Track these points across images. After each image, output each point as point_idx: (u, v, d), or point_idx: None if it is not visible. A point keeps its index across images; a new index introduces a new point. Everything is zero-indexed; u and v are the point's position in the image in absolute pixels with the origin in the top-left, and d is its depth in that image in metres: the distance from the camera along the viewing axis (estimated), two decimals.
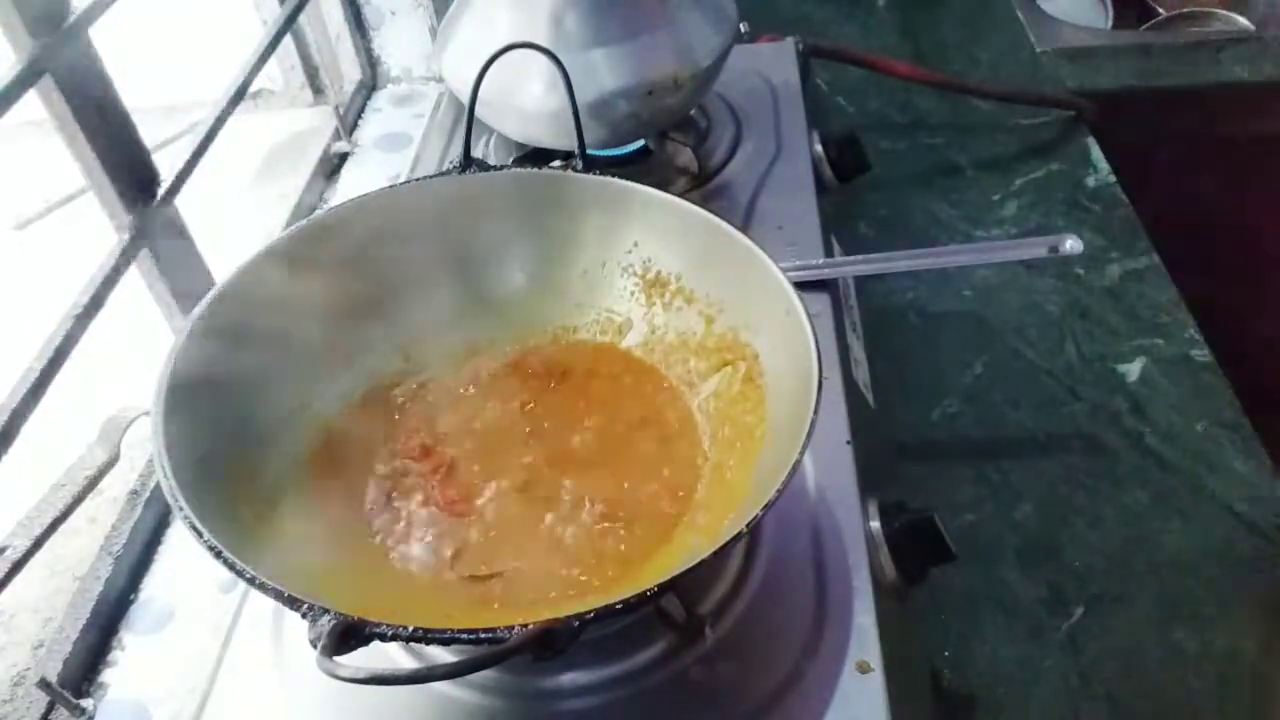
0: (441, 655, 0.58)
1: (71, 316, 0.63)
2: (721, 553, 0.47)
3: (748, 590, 0.61)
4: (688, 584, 0.59)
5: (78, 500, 0.68)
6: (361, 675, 0.40)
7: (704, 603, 0.60)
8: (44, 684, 0.61)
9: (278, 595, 0.44)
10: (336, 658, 0.41)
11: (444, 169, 0.72)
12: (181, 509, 0.48)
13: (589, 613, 0.44)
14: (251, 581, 0.45)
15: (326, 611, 0.42)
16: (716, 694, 0.57)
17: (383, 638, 0.43)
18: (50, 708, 0.62)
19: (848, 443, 0.69)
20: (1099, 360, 0.95)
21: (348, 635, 0.42)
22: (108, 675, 0.65)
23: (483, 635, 0.43)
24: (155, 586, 0.70)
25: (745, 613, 0.60)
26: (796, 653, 0.58)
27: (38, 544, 0.65)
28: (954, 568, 0.65)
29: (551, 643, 0.42)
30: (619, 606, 0.44)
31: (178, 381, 0.54)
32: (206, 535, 0.47)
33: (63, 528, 0.67)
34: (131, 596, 0.70)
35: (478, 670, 0.43)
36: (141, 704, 0.63)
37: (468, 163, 0.71)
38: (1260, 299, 1.37)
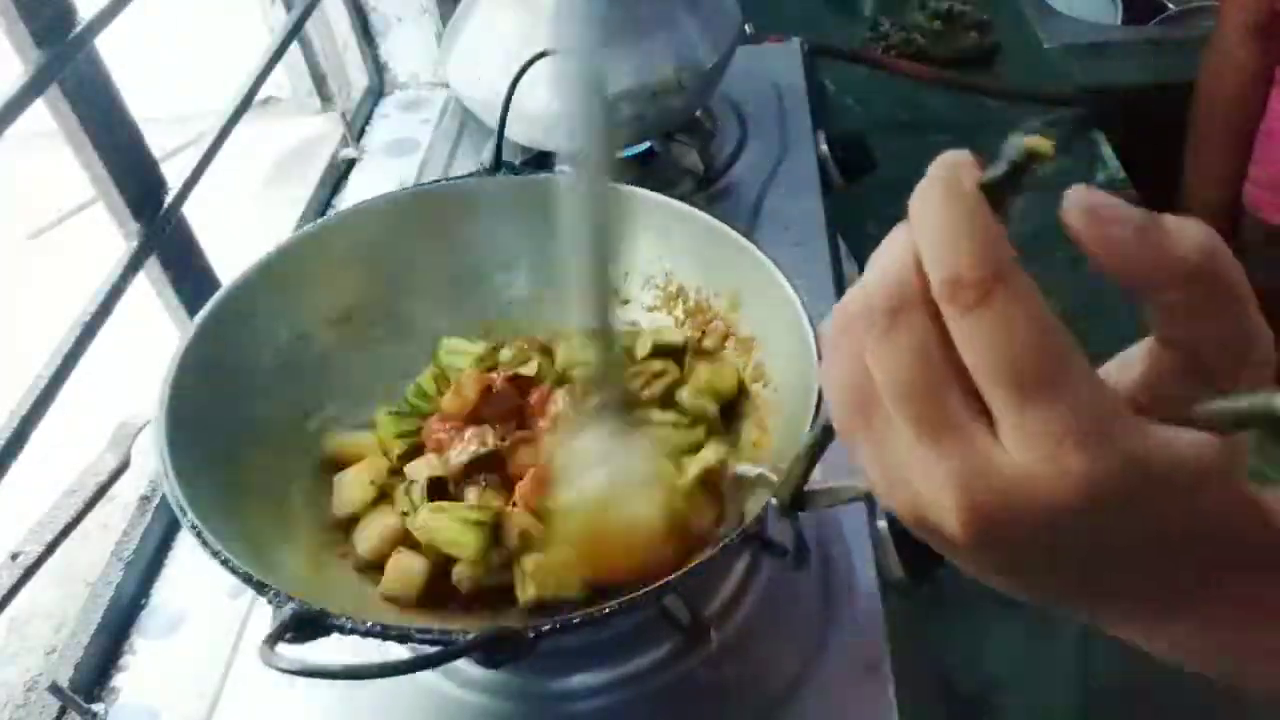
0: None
1: (80, 324, 0.63)
2: (721, 554, 0.47)
3: (754, 591, 0.61)
4: (692, 586, 0.59)
5: (89, 506, 0.69)
6: (295, 667, 0.40)
7: (710, 604, 0.60)
8: (56, 689, 0.61)
9: (246, 579, 0.45)
10: (279, 648, 0.41)
11: (474, 170, 0.72)
12: (174, 492, 0.48)
13: (545, 624, 0.44)
14: (225, 563, 0.46)
15: (291, 600, 0.43)
16: (723, 695, 0.57)
17: (341, 630, 0.43)
18: (62, 712, 0.63)
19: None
20: (1109, 357, 0.94)
21: (305, 625, 0.43)
22: (119, 680, 0.65)
23: (438, 636, 0.44)
24: (166, 592, 0.71)
25: (751, 614, 0.60)
26: (803, 653, 0.58)
27: (50, 550, 0.65)
28: None
29: (503, 648, 0.43)
30: (576, 620, 0.45)
31: (181, 388, 0.55)
32: (190, 514, 0.47)
33: (74, 533, 0.67)
34: (142, 602, 0.70)
35: (416, 670, 0.44)
36: (153, 708, 0.63)
37: (498, 164, 0.71)
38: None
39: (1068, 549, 0.25)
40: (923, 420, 0.25)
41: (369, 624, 0.43)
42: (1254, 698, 0.30)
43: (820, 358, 0.54)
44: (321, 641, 0.44)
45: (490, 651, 0.42)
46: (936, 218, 0.24)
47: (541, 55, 0.70)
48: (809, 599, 0.61)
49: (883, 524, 0.65)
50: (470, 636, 0.42)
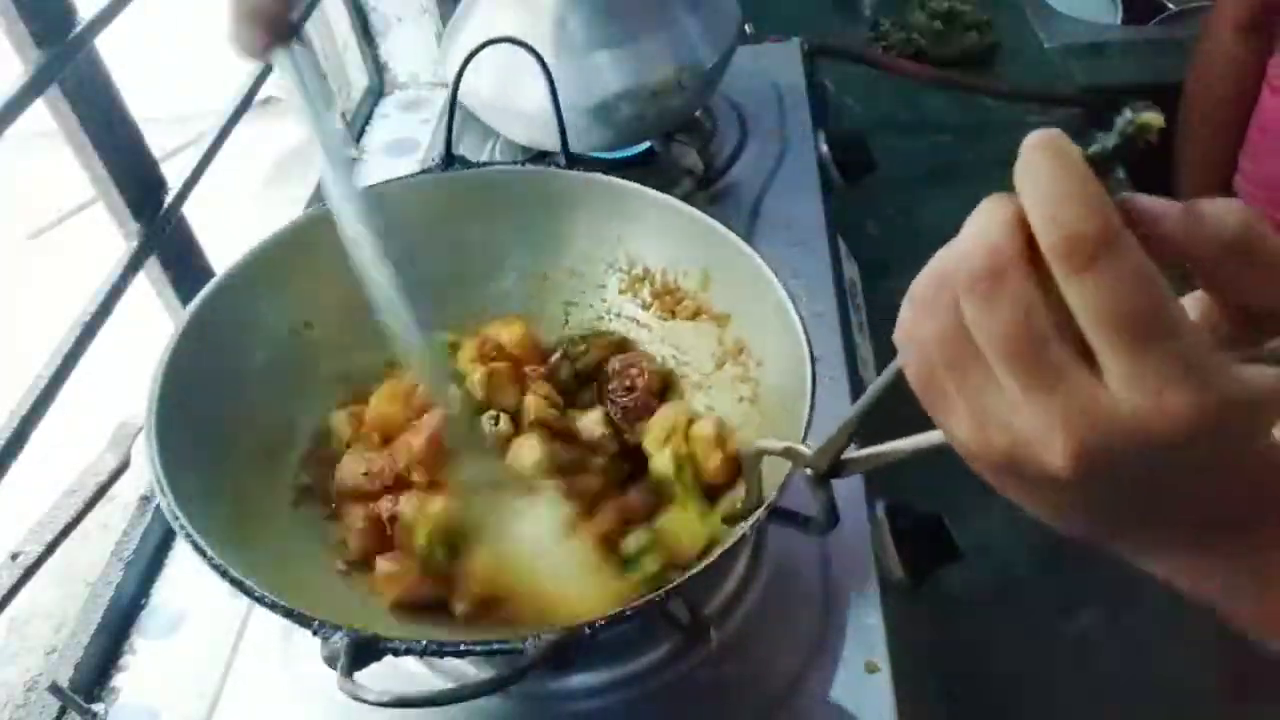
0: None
1: (80, 324, 0.63)
2: (722, 557, 0.47)
3: (754, 591, 0.61)
4: (692, 586, 0.59)
5: (89, 506, 0.69)
6: (387, 699, 0.40)
7: (709, 604, 0.60)
8: (55, 689, 0.61)
9: (287, 613, 0.44)
10: (356, 676, 0.41)
11: (426, 166, 0.72)
12: (183, 527, 0.48)
13: (599, 620, 0.44)
14: (261, 600, 0.45)
15: (339, 628, 0.42)
16: (723, 695, 0.57)
17: (395, 652, 0.43)
18: (62, 712, 0.63)
19: (855, 442, 0.69)
20: None
21: (361, 651, 0.42)
22: (119, 680, 0.65)
23: (496, 647, 0.44)
24: (166, 592, 0.71)
25: (751, 614, 0.60)
26: (803, 653, 0.58)
27: (50, 550, 0.65)
28: (964, 568, 0.65)
29: (566, 652, 0.43)
30: (628, 613, 0.45)
31: (171, 384, 0.55)
32: (211, 554, 0.47)
33: (74, 533, 0.67)
34: (142, 602, 0.70)
35: (505, 687, 0.43)
36: (153, 708, 0.63)
37: (450, 160, 0.71)
38: None
39: (1163, 481, 0.28)
40: (1031, 371, 0.27)
41: (425, 643, 0.43)
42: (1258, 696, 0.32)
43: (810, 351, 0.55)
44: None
45: (560, 653, 0.42)
46: (1049, 182, 0.26)
47: (488, 44, 0.69)
48: (809, 599, 0.61)
49: (883, 525, 0.65)
50: (537, 646, 0.42)
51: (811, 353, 0.54)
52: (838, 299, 0.82)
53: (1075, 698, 0.69)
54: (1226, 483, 0.28)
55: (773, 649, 0.58)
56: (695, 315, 0.67)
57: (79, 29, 0.64)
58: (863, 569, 0.62)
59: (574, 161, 0.71)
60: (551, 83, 0.71)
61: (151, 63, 1.08)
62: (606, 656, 0.58)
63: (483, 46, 0.69)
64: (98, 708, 0.63)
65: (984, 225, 0.28)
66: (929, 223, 1.12)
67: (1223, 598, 0.32)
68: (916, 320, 0.30)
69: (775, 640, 0.59)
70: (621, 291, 0.71)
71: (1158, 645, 0.72)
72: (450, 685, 0.52)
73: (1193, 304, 0.30)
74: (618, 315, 0.71)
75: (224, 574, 0.46)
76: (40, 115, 0.62)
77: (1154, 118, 0.25)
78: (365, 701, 0.40)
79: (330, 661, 0.42)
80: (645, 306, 0.70)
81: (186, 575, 0.72)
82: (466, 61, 0.69)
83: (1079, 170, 0.26)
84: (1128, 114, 0.26)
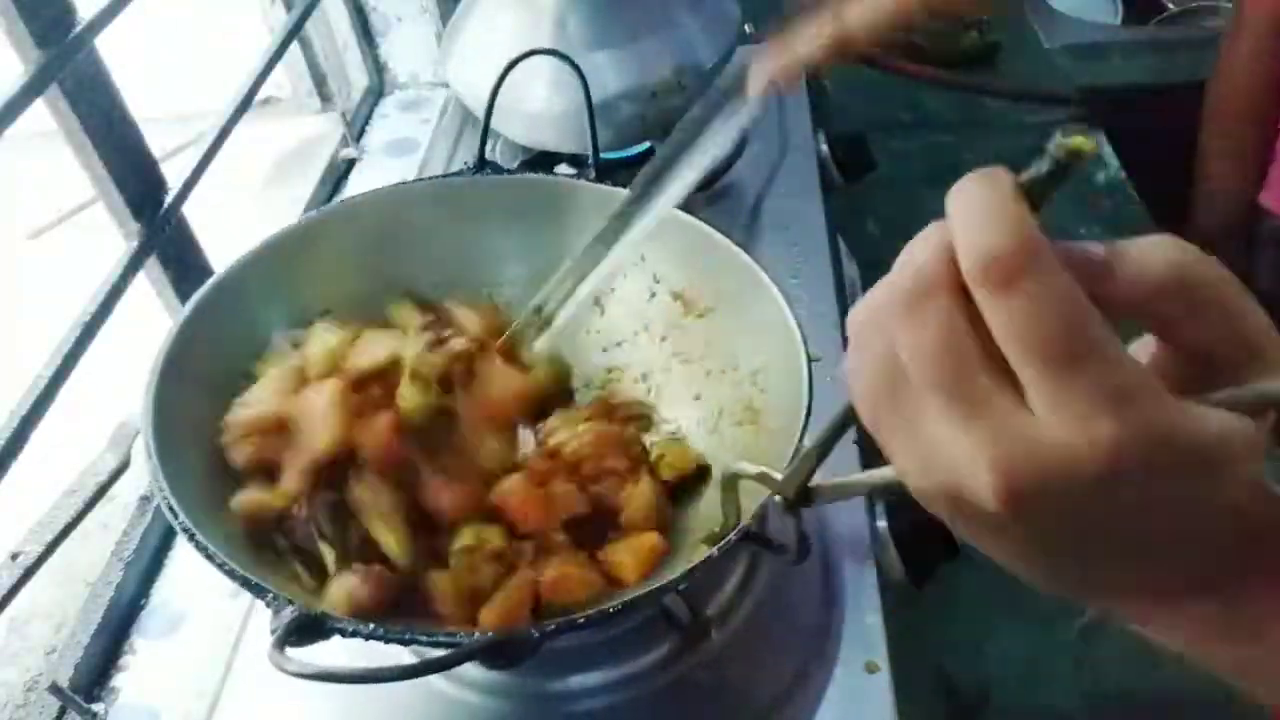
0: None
1: (80, 324, 0.63)
2: (718, 556, 0.47)
3: (754, 591, 0.61)
4: (692, 586, 0.59)
5: (89, 506, 0.69)
6: (309, 671, 0.40)
7: (709, 604, 0.60)
8: (55, 689, 0.61)
9: (244, 582, 0.45)
10: (289, 650, 0.41)
11: (458, 169, 0.72)
12: (162, 489, 0.49)
13: (549, 624, 0.44)
14: (221, 567, 0.46)
15: (291, 602, 0.43)
16: (723, 695, 0.57)
17: (343, 633, 0.43)
18: (62, 712, 0.63)
19: (855, 442, 0.69)
20: None
21: (307, 628, 0.42)
22: (119, 680, 0.65)
23: (441, 639, 0.44)
24: (166, 591, 0.71)
25: (751, 613, 0.60)
26: (803, 653, 0.58)
27: (50, 550, 0.65)
28: (964, 566, 0.65)
29: (507, 651, 0.43)
30: (580, 621, 0.45)
31: (168, 379, 0.55)
32: (182, 516, 0.48)
33: (74, 533, 0.67)
34: (142, 602, 0.70)
35: (427, 674, 0.44)
36: (152, 708, 0.63)
37: (482, 164, 0.71)
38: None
39: (1096, 521, 0.26)
40: (954, 396, 0.25)
41: (371, 627, 0.43)
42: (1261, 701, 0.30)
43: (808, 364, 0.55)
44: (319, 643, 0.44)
45: (498, 654, 0.42)
46: (972, 204, 0.25)
47: (529, 54, 0.70)
48: (809, 599, 0.61)
49: (882, 524, 0.65)
50: (480, 638, 0.42)
51: (809, 359, 0.54)
52: (838, 299, 0.82)
53: (1075, 697, 0.69)
54: (1189, 524, 0.26)
55: (773, 649, 0.59)
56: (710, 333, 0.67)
57: (79, 29, 0.64)
58: (863, 569, 0.62)
59: (602, 172, 0.70)
60: (588, 94, 0.71)
61: (151, 63, 1.07)
62: (606, 656, 0.58)
63: (522, 58, 0.69)
64: (98, 708, 0.63)
65: (912, 253, 0.27)
66: (929, 223, 1.12)
67: (1200, 650, 0.30)
68: (855, 350, 0.28)
69: (775, 640, 0.59)
70: (640, 308, 0.70)
71: (1157, 646, 0.72)
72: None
73: (1143, 350, 0.28)
74: (637, 331, 0.71)
75: (191, 537, 0.47)
76: (40, 115, 0.62)
77: (1085, 141, 0.24)
78: (288, 672, 0.40)
79: (274, 633, 0.42)
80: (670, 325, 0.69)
81: (186, 575, 0.72)
82: (506, 72, 0.70)
83: (1003, 193, 0.25)
84: (1058, 138, 0.25)
